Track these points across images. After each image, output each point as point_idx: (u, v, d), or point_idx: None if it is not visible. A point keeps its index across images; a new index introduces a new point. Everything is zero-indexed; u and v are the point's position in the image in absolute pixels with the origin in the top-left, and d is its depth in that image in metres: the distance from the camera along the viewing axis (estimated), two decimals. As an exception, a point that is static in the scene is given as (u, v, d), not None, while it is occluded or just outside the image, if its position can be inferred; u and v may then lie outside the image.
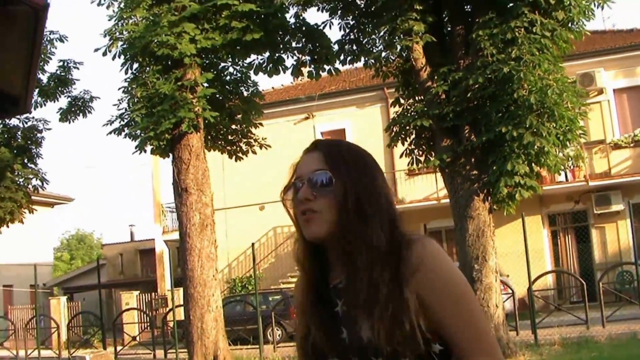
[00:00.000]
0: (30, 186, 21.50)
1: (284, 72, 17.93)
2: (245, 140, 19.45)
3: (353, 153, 2.30)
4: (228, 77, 18.67)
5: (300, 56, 18.08)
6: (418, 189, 29.01)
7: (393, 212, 2.25)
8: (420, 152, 16.89)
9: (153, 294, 32.79)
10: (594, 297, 20.34)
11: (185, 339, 18.33)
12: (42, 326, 26.94)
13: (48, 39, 20.35)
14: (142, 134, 16.76)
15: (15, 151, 21.00)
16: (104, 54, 17.32)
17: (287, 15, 17.55)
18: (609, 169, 27.51)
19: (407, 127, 16.37)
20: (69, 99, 21.25)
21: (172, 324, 21.64)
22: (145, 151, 17.57)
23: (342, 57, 17.82)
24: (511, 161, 14.05)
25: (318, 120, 31.18)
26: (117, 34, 17.34)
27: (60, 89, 21.18)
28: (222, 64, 18.52)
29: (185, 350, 17.94)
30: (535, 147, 13.90)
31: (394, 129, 16.70)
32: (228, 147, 19.45)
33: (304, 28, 17.85)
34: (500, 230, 18.68)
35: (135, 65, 17.62)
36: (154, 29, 16.33)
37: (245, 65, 18.43)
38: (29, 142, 21.48)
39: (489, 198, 15.09)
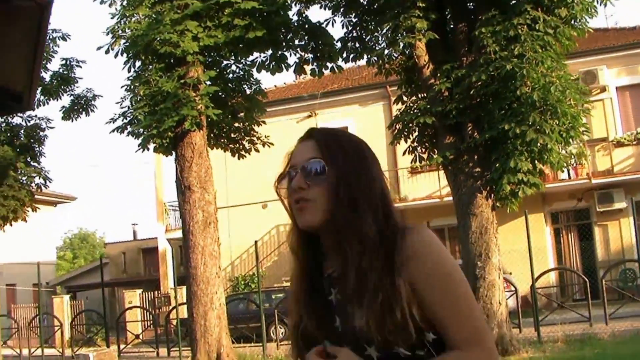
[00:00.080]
0: (33, 185, 21.51)
1: (287, 70, 17.96)
2: (247, 138, 19.45)
3: (348, 142, 2.29)
4: (231, 75, 18.67)
5: (302, 54, 18.09)
6: (421, 187, 28.98)
7: (387, 201, 2.24)
8: (423, 150, 16.90)
9: (156, 292, 32.78)
10: (596, 295, 20.33)
11: (188, 336, 18.35)
12: (45, 325, 26.95)
13: (51, 37, 20.34)
14: (145, 132, 16.77)
15: (18, 150, 21.01)
16: (107, 52, 17.33)
17: (290, 13, 17.58)
18: (612, 166, 27.47)
19: (410, 125, 16.38)
20: (72, 97, 21.26)
21: (176, 322, 21.66)
22: (148, 149, 17.58)
23: (344, 55, 17.85)
24: (514, 158, 14.05)
25: (320, 118, 31.14)
26: (120, 32, 17.35)
27: (62, 87, 21.17)
28: (225, 62, 18.53)
29: (189, 348, 17.96)
30: (538, 144, 13.91)
31: (397, 127, 16.71)
32: (231, 145, 19.44)
33: (306, 26, 17.85)
34: (503, 228, 18.67)
35: (138, 63, 17.62)
36: (156, 26, 16.33)
37: (247, 63, 18.44)
38: (32, 140, 21.48)
39: (492, 195, 15.09)
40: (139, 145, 17.20)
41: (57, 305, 31.77)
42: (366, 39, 17.59)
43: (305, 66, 18.28)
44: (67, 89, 21.24)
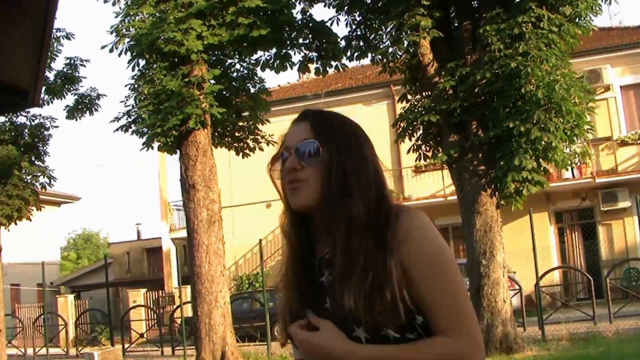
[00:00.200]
0: (37, 184, 21.53)
1: (291, 69, 17.97)
2: (252, 136, 19.44)
3: (342, 123, 2.30)
4: (235, 74, 18.66)
5: (307, 52, 18.09)
6: (425, 185, 28.99)
7: (381, 183, 2.23)
8: (428, 148, 16.88)
9: (160, 291, 32.81)
10: (600, 294, 20.34)
11: (193, 335, 18.37)
12: (49, 324, 26.98)
13: (54, 36, 20.35)
14: (149, 131, 16.78)
15: (22, 149, 21.02)
16: (111, 50, 17.36)
17: (294, 12, 17.57)
18: (616, 165, 27.47)
19: (415, 123, 16.36)
20: (76, 96, 21.27)
21: (180, 321, 21.67)
22: (152, 148, 17.60)
23: (349, 53, 17.82)
24: (519, 156, 14.05)
25: (324, 117, 31.12)
26: (124, 30, 17.36)
27: (66, 86, 21.19)
28: (229, 61, 18.53)
29: (193, 347, 17.97)
30: (543, 142, 13.89)
31: (401, 125, 16.70)
32: (235, 144, 19.44)
33: (310, 24, 17.85)
34: (507, 227, 18.65)
35: (142, 62, 17.65)
36: (160, 25, 16.35)
37: (252, 61, 18.42)
38: (36, 139, 21.49)
39: (497, 193, 15.08)
40: (143, 144, 17.22)
41: (61, 305, 31.83)
42: (370, 38, 17.58)
43: (309, 65, 18.27)
44: (71, 88, 21.25)
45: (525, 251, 19.82)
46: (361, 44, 17.66)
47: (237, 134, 19.33)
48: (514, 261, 21.99)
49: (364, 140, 2.28)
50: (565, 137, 14.19)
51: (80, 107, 21.15)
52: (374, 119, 29.12)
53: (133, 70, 17.60)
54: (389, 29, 16.72)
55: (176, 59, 16.93)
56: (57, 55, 21.11)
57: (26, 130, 21.48)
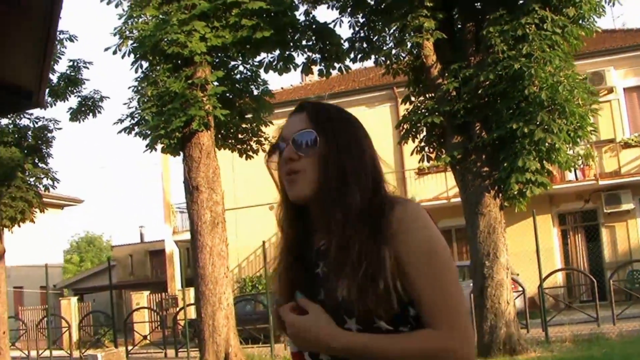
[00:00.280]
0: (41, 186, 21.55)
1: (295, 70, 17.99)
2: (255, 138, 19.43)
3: (339, 114, 2.29)
4: (238, 76, 18.67)
5: (310, 54, 18.10)
6: (428, 188, 29.01)
7: (378, 174, 2.23)
8: (431, 149, 16.89)
9: (163, 294, 32.83)
10: (603, 297, 20.31)
11: (196, 337, 18.37)
12: (53, 326, 27.01)
13: (58, 38, 20.36)
14: (153, 133, 16.79)
15: (26, 151, 21.05)
16: (114, 52, 17.38)
17: (297, 13, 17.58)
18: (619, 167, 27.46)
19: (418, 125, 16.38)
20: (79, 98, 21.29)
21: (183, 323, 21.68)
22: (155, 150, 17.62)
23: (352, 55, 17.84)
24: (522, 158, 14.04)
25: (327, 120, 31.15)
26: (127, 32, 17.38)
27: (70, 88, 21.20)
28: (233, 63, 18.53)
29: (197, 349, 17.97)
30: (547, 143, 13.90)
31: (405, 127, 16.71)
32: (238, 146, 19.43)
33: (314, 26, 17.86)
34: (510, 229, 18.64)
35: (146, 64, 17.66)
36: (164, 27, 16.36)
37: (255, 63, 18.43)
38: (40, 141, 21.51)
39: (500, 195, 15.07)
40: (146, 146, 17.24)
41: (64, 307, 31.87)
42: (374, 39, 17.60)
43: (312, 66, 18.28)
44: (74, 91, 21.26)
45: (528, 253, 19.81)
46: (364, 45, 17.68)
47: (240, 135, 19.33)
48: (517, 263, 21.97)
49: (361, 131, 2.28)
50: (569, 139, 14.20)
51: (83, 109, 21.17)
52: (377, 121, 29.11)
53: (136, 72, 17.65)
54: (392, 31, 16.75)
55: (179, 61, 16.94)
56: (60, 58, 21.12)
57: (29, 132, 21.50)
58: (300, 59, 17.98)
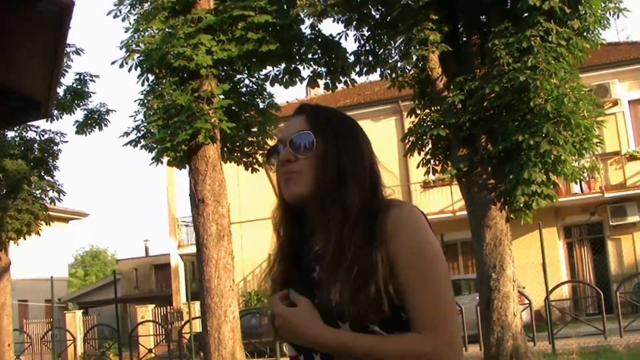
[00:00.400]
0: (47, 198, 21.57)
1: (300, 83, 18.00)
2: (261, 152, 19.43)
3: (338, 116, 2.32)
4: (244, 89, 18.68)
5: (316, 67, 18.13)
6: (433, 201, 29.00)
7: (375, 176, 2.24)
8: (437, 162, 16.88)
9: (168, 307, 32.81)
10: (610, 309, 20.27)
11: (201, 351, 18.34)
12: (57, 339, 26.98)
13: (64, 52, 20.40)
14: (159, 146, 16.80)
15: (32, 163, 21.08)
16: (121, 66, 17.41)
17: (303, 27, 17.62)
18: (625, 180, 27.46)
19: (424, 137, 16.37)
20: (85, 111, 21.33)
21: (189, 337, 21.66)
22: (161, 162, 17.63)
23: (358, 69, 17.86)
24: (528, 170, 14.02)
25: (332, 133, 31.16)
26: (134, 46, 17.42)
27: (76, 101, 21.25)
28: (238, 76, 18.55)
29: (202, 362, 17.96)
30: (552, 155, 13.88)
31: (411, 139, 16.70)
32: (244, 159, 19.43)
33: (319, 39, 17.90)
34: (516, 242, 18.63)
35: (152, 77, 17.68)
36: (170, 40, 16.40)
37: (261, 76, 18.45)
38: (46, 154, 21.55)
39: (506, 207, 15.06)
40: (152, 159, 17.25)
41: (69, 321, 31.90)
42: (379, 52, 17.61)
43: (318, 80, 18.31)
44: (81, 104, 21.31)
45: (534, 266, 19.81)
46: (370, 59, 17.69)
47: (246, 149, 19.33)
48: (523, 276, 21.95)
49: (360, 134, 2.31)
50: (575, 151, 14.18)
51: (89, 122, 21.20)
52: (382, 134, 29.14)
53: (142, 85, 17.66)
54: (397, 44, 16.75)
55: (186, 74, 16.96)
56: (67, 71, 21.17)
57: (36, 145, 21.54)
58: (305, 72, 18.04)
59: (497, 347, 14.58)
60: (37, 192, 21.27)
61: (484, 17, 16.29)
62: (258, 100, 18.83)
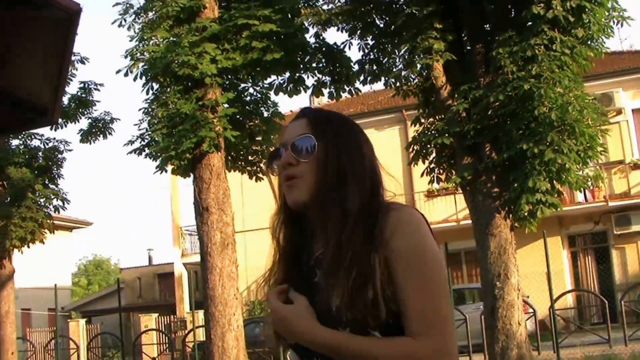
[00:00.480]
0: (51, 206, 21.57)
1: (305, 92, 18.02)
2: (265, 160, 19.44)
3: (339, 120, 2.31)
4: (248, 98, 18.69)
5: (320, 76, 18.14)
6: (437, 210, 29.00)
7: (376, 179, 2.23)
8: (441, 171, 16.87)
9: (172, 316, 32.79)
10: (614, 319, 20.23)
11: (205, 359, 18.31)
12: (61, 348, 26.95)
13: (71, 57, 20.42)
14: (163, 154, 16.80)
15: (36, 172, 21.10)
16: (126, 74, 17.41)
17: (307, 36, 17.65)
18: (629, 189, 27.44)
19: (428, 146, 16.38)
20: (90, 120, 21.34)
21: (192, 345, 21.63)
22: (166, 171, 17.63)
23: (362, 77, 17.88)
24: (532, 178, 14.01)
25: (336, 142, 31.18)
26: (139, 54, 17.43)
27: (80, 110, 21.27)
28: (243, 85, 18.56)
29: (206, 371, 17.93)
30: (557, 164, 13.87)
31: (415, 148, 16.70)
32: (248, 168, 19.44)
33: (324, 48, 17.92)
34: (520, 251, 18.60)
35: (156, 86, 17.69)
36: (175, 49, 16.42)
37: (265, 85, 18.47)
38: (50, 162, 21.57)
39: (511, 215, 15.05)
40: (156, 167, 17.25)
41: (72, 329, 31.88)
42: (383, 61, 17.63)
43: (322, 89, 18.32)
44: (85, 112, 21.32)
45: (538, 275, 19.78)
46: (374, 67, 17.71)
47: (250, 157, 19.34)
48: (527, 285, 21.92)
49: (362, 137, 2.30)
50: (579, 159, 14.17)
51: (94, 130, 21.20)
52: (386, 143, 29.20)
53: (147, 93, 17.67)
54: (401, 53, 16.78)
55: (190, 83, 16.97)
56: (71, 79, 21.20)
57: (40, 153, 21.56)
58: (310, 81, 18.06)
59: (501, 356, 14.54)
60: (42, 200, 21.27)
61: (488, 25, 16.31)
62: (262, 109, 18.83)
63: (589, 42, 15.07)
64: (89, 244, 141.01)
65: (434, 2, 15.27)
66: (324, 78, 18.18)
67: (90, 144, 21.35)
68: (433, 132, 16.30)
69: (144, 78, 17.38)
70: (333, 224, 2.12)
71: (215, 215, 16.79)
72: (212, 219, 16.78)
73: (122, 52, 17.86)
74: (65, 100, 20.86)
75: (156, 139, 17.03)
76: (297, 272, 2.27)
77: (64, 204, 21.78)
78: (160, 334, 29.51)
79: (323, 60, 17.99)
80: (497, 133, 15.00)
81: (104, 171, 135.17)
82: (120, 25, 18.04)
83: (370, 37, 17.55)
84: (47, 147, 21.76)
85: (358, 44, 17.70)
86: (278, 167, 2.27)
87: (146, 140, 17.60)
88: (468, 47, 16.52)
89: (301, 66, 17.79)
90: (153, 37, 17.41)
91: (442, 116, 16.15)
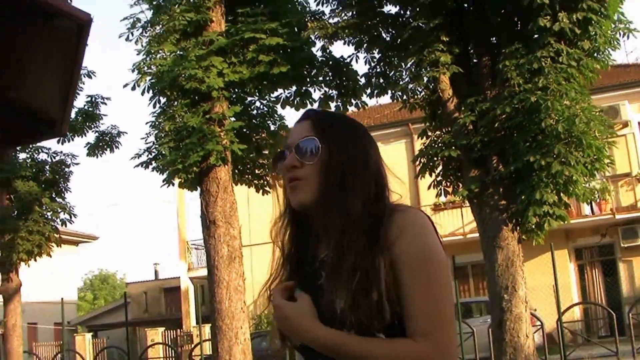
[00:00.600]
0: (58, 220, 21.60)
1: (311, 106, 17.98)
2: (272, 174, 19.43)
3: (343, 121, 2.30)
4: (255, 111, 18.74)
5: (327, 90, 18.16)
6: (444, 223, 28.93)
7: (381, 181, 2.23)
8: (448, 183, 16.88)
9: (178, 330, 32.74)
10: (622, 332, 20.15)
11: (212, 373, 18.29)
12: (67, 362, 26.98)
13: (80, 68, 20.47)
14: (170, 168, 16.82)
15: (43, 185, 21.16)
16: (133, 88, 17.46)
17: (314, 49, 17.69)
18: (635, 201, 27.38)
19: (435, 159, 16.39)
20: (97, 134, 21.40)
21: (199, 359, 21.60)
22: (173, 184, 17.65)
23: (369, 91, 17.90)
24: (539, 190, 14.00)
25: (343, 156, 31.20)
26: (146, 68, 17.47)
27: (87, 124, 21.34)
28: (250, 98, 18.60)
29: (213, 385, 17.88)
30: (564, 176, 13.86)
31: (421, 161, 16.71)
32: (255, 181, 19.46)
33: (330, 62, 17.95)
34: (527, 264, 18.56)
35: (163, 99, 17.72)
36: (182, 62, 16.46)
37: (272, 99, 18.50)
38: (57, 176, 21.62)
39: (518, 228, 15.03)
40: (163, 181, 17.27)
41: (79, 343, 31.89)
42: (390, 74, 17.65)
43: (329, 102, 18.33)
44: (92, 126, 21.39)
45: (545, 288, 19.73)
46: (381, 81, 17.73)
47: (257, 171, 19.36)
48: (534, 298, 21.87)
49: (367, 138, 2.29)
50: (586, 171, 14.17)
51: (101, 144, 21.25)
52: (392, 157, 29.12)
53: (154, 107, 17.71)
54: (408, 66, 16.79)
55: (197, 96, 17.01)
56: (78, 93, 21.27)
57: (47, 167, 21.62)
58: (316, 94, 18.08)
59: (509, 369, 14.51)
60: (49, 213, 21.31)
61: (494, 38, 16.34)
62: (269, 122, 18.86)
63: (595, 55, 15.13)
64: (95, 259, 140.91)
65: (440, 15, 15.32)
66: (330, 91, 18.22)
67: (97, 157, 21.41)
68: (440, 144, 16.31)
69: (151, 92, 17.43)
70: (335, 225, 2.12)
71: (222, 229, 16.79)
72: (219, 232, 16.78)
73: (129, 65, 17.91)
74: (72, 114, 20.91)
75: (163, 152, 17.04)
76: (301, 274, 2.27)
77: (71, 217, 21.84)
78: (167, 347, 29.47)
79: (330, 73, 18.02)
80: (504, 145, 15.00)
81: (111, 185, 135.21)
82: (127, 39, 18.10)
83: (377, 50, 17.58)
84: (54, 160, 21.84)
85: (364, 57, 17.76)
86: (282, 169, 2.27)
87: (153, 154, 17.62)
88: (474, 60, 16.56)
89: (308, 80, 17.83)
90: (160, 51, 17.45)
91: (449, 129, 16.15)
